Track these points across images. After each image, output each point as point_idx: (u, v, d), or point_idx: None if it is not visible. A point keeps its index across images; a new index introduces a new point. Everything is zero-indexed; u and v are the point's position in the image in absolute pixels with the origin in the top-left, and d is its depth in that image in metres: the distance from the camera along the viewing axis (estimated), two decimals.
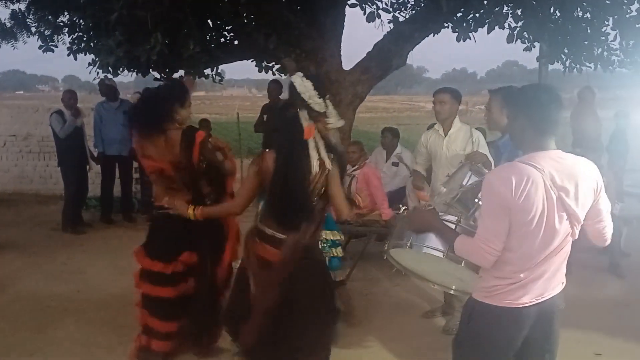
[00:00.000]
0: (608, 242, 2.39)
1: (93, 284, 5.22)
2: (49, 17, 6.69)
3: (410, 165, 6.46)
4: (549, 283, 2.25)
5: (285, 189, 2.76)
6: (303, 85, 2.92)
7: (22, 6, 7.34)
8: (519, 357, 2.34)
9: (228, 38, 7.12)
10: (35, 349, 3.94)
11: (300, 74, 3.17)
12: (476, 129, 4.49)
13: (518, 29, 6.39)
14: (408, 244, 2.78)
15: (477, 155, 3.78)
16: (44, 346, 3.96)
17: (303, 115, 2.84)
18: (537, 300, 2.23)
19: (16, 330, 4.23)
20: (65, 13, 6.68)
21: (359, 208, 3.69)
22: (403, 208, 3.08)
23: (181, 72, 7.02)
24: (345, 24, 6.86)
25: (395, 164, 6.59)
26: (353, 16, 7.18)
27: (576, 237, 2.25)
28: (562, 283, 2.33)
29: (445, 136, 4.35)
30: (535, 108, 2.20)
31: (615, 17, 6.06)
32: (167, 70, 6.99)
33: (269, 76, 8.06)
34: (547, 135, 2.21)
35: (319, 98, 2.97)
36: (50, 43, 6.89)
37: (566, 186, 2.15)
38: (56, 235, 6.86)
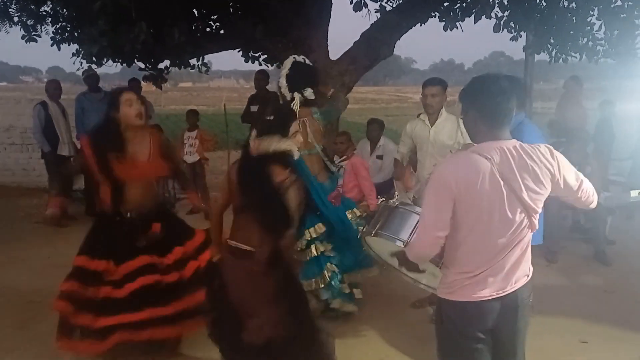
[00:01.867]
0: (593, 205, 2.38)
1: None
2: (32, 6, 6.55)
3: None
4: (510, 276, 2.23)
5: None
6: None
7: None
8: (493, 350, 2.34)
9: (214, 27, 7.04)
10: (17, 345, 3.90)
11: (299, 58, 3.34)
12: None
13: (504, 18, 6.41)
14: (373, 232, 2.89)
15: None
16: (27, 342, 3.91)
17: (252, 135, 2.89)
18: (497, 294, 2.22)
19: None
20: (48, 2, 6.56)
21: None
22: (381, 200, 3.15)
23: (166, 62, 6.94)
24: (331, 13, 6.80)
25: (379, 157, 6.56)
26: (339, 5, 7.15)
27: (535, 228, 2.23)
28: (527, 275, 2.31)
29: (432, 126, 4.34)
30: (484, 99, 2.19)
31: (601, 7, 6.08)
32: (152, 60, 6.90)
33: (256, 67, 7.98)
34: (499, 125, 2.19)
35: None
36: (34, 33, 6.76)
37: (519, 176, 2.13)
38: (39, 229, 6.77)
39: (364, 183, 5.58)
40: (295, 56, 4.22)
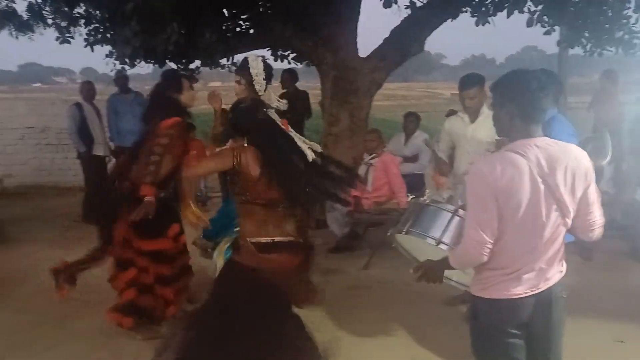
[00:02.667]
0: (595, 236, 2.28)
1: None
2: (65, 8, 6.68)
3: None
4: (544, 274, 2.21)
5: (287, 186, 2.70)
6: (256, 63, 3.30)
7: None
8: (527, 345, 2.31)
9: (244, 27, 7.08)
10: (57, 341, 3.98)
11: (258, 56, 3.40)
12: None
13: (538, 12, 6.26)
14: (404, 230, 2.87)
15: (503, 143, 3.71)
16: (65, 339, 4.00)
17: (272, 113, 2.88)
18: (532, 291, 2.20)
19: (38, 323, 4.27)
20: (81, 4, 6.68)
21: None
22: (411, 197, 3.13)
23: (197, 63, 7.00)
24: (361, 10, 6.77)
25: (410, 148, 6.65)
26: (369, 2, 7.10)
27: (569, 226, 2.19)
28: (561, 272, 2.28)
29: (472, 123, 4.25)
30: (524, 95, 2.14)
31: None
32: (183, 60, 6.97)
33: (285, 65, 8.01)
34: (534, 122, 2.16)
35: (263, 80, 3.33)
36: (67, 35, 6.89)
37: (554, 174, 2.09)
38: (76, 227, 6.91)
39: (394, 180, 5.56)
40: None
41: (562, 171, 2.11)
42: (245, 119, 2.85)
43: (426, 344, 3.90)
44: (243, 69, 3.53)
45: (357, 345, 3.83)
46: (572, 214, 2.17)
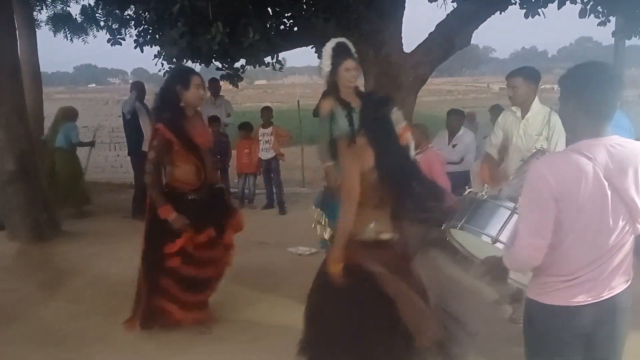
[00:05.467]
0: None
1: None
2: (116, 11, 6.91)
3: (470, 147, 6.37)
4: (608, 282, 2.06)
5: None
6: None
7: (92, 1, 7.65)
8: (586, 355, 2.17)
9: (287, 25, 7.11)
10: (106, 332, 4.12)
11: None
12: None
13: (591, 3, 6.01)
14: (459, 225, 2.76)
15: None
16: (114, 330, 4.12)
17: (397, 115, 2.78)
18: (594, 299, 2.05)
19: (89, 314, 4.45)
20: (131, 6, 6.87)
21: None
22: (468, 190, 3.00)
23: (242, 61, 7.09)
24: (406, 4, 6.69)
25: (454, 147, 6.51)
26: None
27: (638, 232, 2.05)
28: (627, 281, 2.12)
29: (523, 119, 4.13)
30: (588, 89, 1.98)
31: None
32: (228, 59, 7.07)
33: None
34: (602, 120, 1.99)
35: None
36: (118, 36, 7.10)
37: (623, 177, 1.94)
38: (127, 223, 7.13)
39: (438, 178, 5.45)
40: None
41: (632, 173, 1.96)
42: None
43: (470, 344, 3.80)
44: None
45: None
46: None
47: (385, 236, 2.75)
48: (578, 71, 2.06)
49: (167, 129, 3.68)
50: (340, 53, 3.66)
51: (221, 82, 7.73)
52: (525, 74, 4.06)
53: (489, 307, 4.36)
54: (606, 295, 2.07)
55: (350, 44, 3.73)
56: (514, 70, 4.16)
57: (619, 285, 2.09)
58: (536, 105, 4.07)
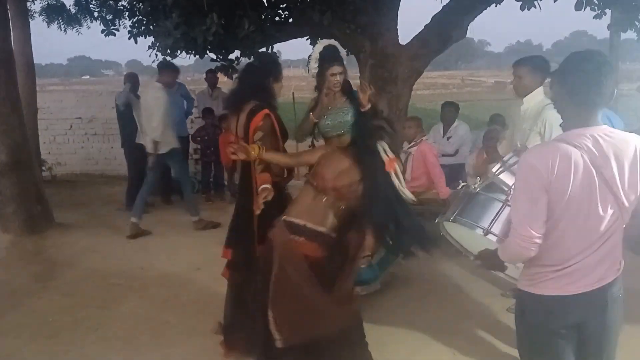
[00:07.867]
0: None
1: (155, 262, 5.39)
2: (110, 1, 6.86)
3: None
4: (598, 271, 2.06)
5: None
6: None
7: None
8: (578, 348, 2.18)
9: (283, 16, 7.07)
10: (100, 324, 4.12)
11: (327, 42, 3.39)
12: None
13: None
14: (451, 218, 2.76)
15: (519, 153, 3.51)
16: (109, 322, 4.13)
17: (382, 147, 2.90)
18: (584, 289, 2.06)
19: (83, 306, 4.43)
20: None
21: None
22: (462, 184, 3.00)
23: (237, 53, 7.05)
24: None
25: (449, 139, 6.52)
26: None
27: (627, 222, 2.05)
28: (618, 270, 2.13)
29: (521, 112, 3.98)
30: (574, 79, 1.97)
31: None
32: (223, 51, 7.02)
33: None
34: (590, 109, 1.99)
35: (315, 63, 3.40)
36: (112, 27, 7.06)
37: (611, 166, 1.95)
38: (121, 215, 7.11)
39: (433, 170, 5.46)
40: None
41: (619, 163, 1.97)
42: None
43: (468, 338, 3.81)
44: None
45: (391, 337, 3.80)
46: (630, 209, 2.03)
47: (316, 227, 2.84)
48: (567, 59, 2.05)
49: (274, 117, 3.57)
50: (327, 58, 3.62)
51: (218, 74, 7.68)
52: (532, 64, 3.86)
53: (482, 300, 4.37)
54: (596, 285, 2.07)
55: (339, 47, 3.67)
56: (523, 58, 3.97)
57: (609, 275, 2.10)
58: (532, 98, 3.87)
